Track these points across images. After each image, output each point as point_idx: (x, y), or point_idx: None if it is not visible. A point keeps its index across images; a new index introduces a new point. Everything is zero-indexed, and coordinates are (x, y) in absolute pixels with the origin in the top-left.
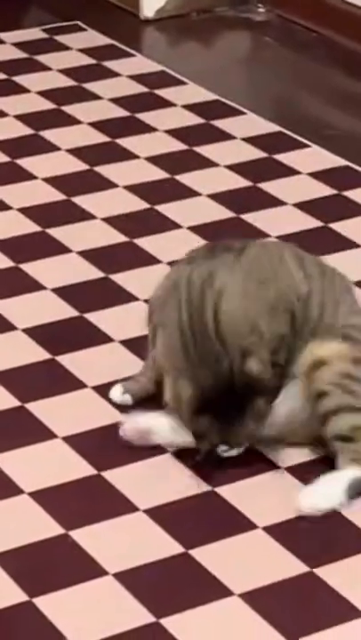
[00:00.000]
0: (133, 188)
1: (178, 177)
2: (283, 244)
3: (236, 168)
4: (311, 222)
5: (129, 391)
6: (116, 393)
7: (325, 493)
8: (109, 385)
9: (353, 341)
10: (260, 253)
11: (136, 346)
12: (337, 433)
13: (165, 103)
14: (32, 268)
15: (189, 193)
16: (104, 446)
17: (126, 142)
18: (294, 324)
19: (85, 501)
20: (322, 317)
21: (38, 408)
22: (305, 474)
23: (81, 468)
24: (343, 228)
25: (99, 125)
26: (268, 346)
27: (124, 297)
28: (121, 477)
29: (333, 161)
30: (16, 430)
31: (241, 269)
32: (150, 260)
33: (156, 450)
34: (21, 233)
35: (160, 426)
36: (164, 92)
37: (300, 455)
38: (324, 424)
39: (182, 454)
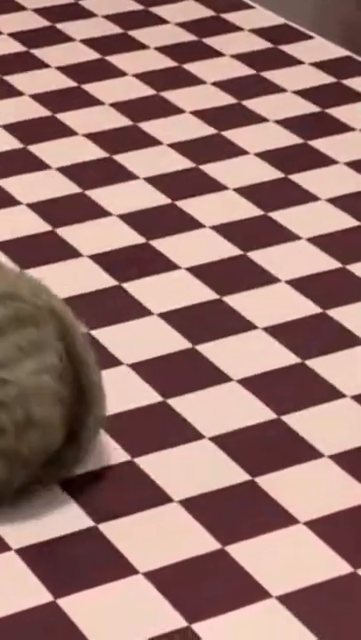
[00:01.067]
0: (200, 114)
1: (245, 102)
2: None
3: (304, 93)
4: None
5: None
6: None
7: None
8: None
9: None
10: None
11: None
12: None
13: (233, 27)
14: (96, 193)
15: (257, 119)
16: (173, 373)
17: (193, 67)
18: None
19: (154, 427)
20: None
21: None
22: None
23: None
24: None
25: (165, 50)
26: None
27: (192, 224)
28: (191, 405)
29: None
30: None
31: None
32: (217, 186)
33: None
34: (86, 159)
35: None
36: (231, 16)
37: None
38: None
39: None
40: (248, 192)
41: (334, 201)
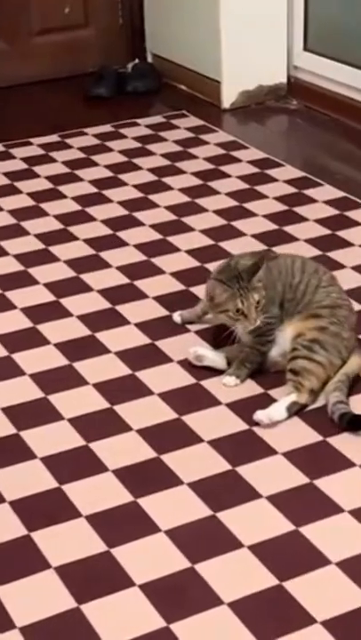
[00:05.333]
0: None
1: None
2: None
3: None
4: None
5: (181, 315)
6: (175, 317)
7: (275, 409)
8: None
9: (320, 316)
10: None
11: None
12: (291, 367)
13: (234, 159)
14: None
15: None
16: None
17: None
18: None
19: None
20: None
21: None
22: None
23: None
24: None
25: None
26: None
27: None
28: None
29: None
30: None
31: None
32: None
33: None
34: None
35: (210, 355)
36: (234, 153)
37: None
38: (289, 362)
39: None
40: None
41: None
